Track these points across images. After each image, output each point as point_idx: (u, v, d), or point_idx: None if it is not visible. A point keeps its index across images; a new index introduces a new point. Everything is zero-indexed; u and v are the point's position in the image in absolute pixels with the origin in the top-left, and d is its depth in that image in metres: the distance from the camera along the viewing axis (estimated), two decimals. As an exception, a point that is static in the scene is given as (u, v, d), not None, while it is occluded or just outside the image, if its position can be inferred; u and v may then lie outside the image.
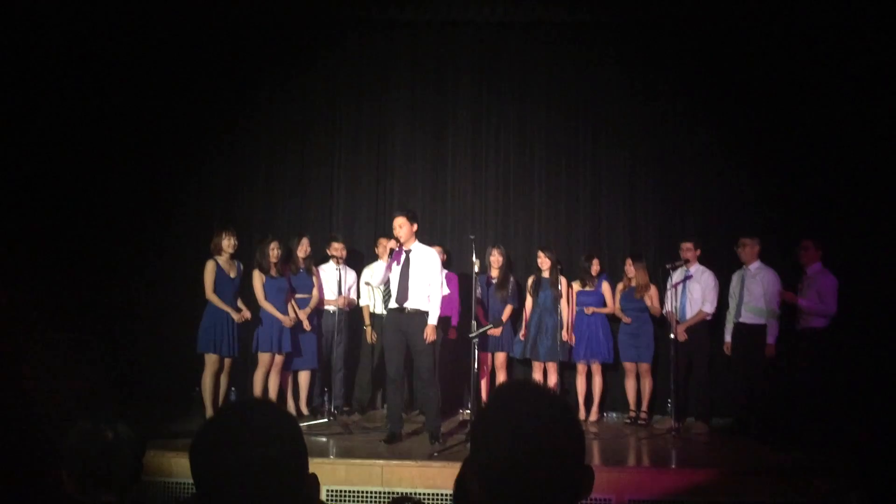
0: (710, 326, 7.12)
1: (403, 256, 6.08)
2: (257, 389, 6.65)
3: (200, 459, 1.38)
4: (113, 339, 7.21)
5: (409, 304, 5.99)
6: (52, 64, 7.71)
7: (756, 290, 6.74)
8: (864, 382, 6.81)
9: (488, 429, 1.37)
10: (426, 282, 6.02)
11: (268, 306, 6.69)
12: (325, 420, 6.76)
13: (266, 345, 6.66)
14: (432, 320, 6.01)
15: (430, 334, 5.96)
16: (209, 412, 6.39)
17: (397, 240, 6.04)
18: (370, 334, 7.37)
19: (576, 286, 7.37)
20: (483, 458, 1.35)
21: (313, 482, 1.44)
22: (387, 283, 7.23)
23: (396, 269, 6.08)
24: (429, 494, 5.12)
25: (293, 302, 6.95)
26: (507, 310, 7.30)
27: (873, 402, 6.64)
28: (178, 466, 5.44)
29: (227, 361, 6.54)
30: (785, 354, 6.68)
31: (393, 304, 6.09)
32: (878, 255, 7.20)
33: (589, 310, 7.23)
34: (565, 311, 7.19)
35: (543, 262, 7.25)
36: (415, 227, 6.09)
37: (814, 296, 6.41)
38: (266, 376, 6.70)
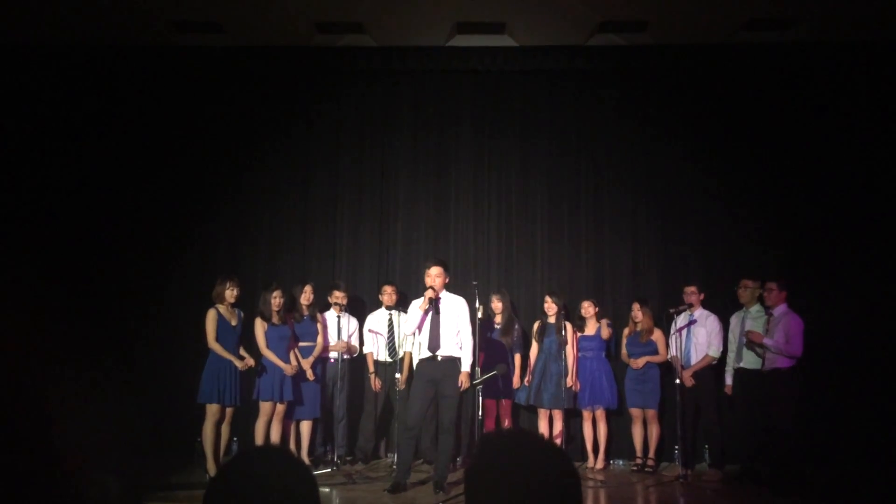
0: (716, 371, 7.06)
1: (434, 305, 6.09)
2: (259, 438, 6.57)
3: None
4: (113, 390, 7.16)
5: (441, 352, 6.01)
6: (68, 120, 7.87)
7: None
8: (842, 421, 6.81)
9: (482, 481, 1.34)
10: (456, 329, 6.06)
11: (269, 354, 6.65)
12: (328, 470, 6.68)
13: (267, 393, 6.61)
14: (466, 367, 6.01)
15: (464, 381, 5.97)
16: (210, 463, 6.32)
17: (433, 289, 6.06)
18: (374, 381, 7.31)
19: (578, 333, 7.33)
20: None
21: None
22: (390, 330, 7.24)
23: (427, 318, 6.08)
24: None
25: (296, 350, 6.91)
26: (517, 358, 7.27)
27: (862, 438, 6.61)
28: (179, 519, 5.37)
29: (228, 411, 6.48)
30: (748, 396, 6.63)
31: (425, 354, 6.10)
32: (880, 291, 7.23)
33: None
34: (570, 357, 7.13)
35: (550, 307, 7.22)
36: (447, 278, 6.20)
37: (781, 336, 6.36)
38: (268, 425, 6.63)
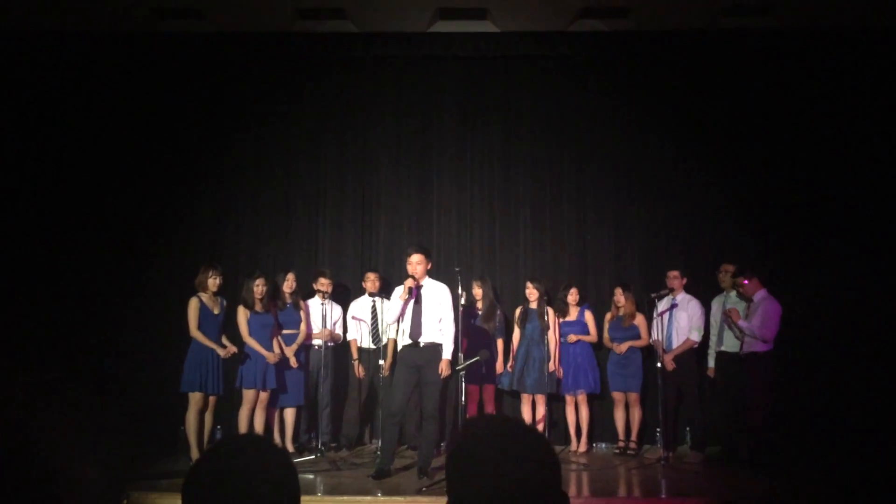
0: (697, 354, 7.13)
1: (416, 292, 6.10)
2: (243, 427, 6.58)
3: (193, 496, 1.35)
4: (97, 377, 7.14)
5: (423, 339, 6.03)
6: (46, 108, 7.80)
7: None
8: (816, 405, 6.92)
9: (462, 468, 1.36)
10: (438, 316, 6.06)
11: (252, 342, 6.65)
12: (313, 457, 6.70)
13: (250, 381, 6.61)
14: (447, 354, 6.03)
15: (444, 368, 5.98)
16: (194, 451, 6.32)
17: (413, 278, 6.05)
18: (358, 368, 7.33)
19: (560, 318, 7.36)
20: (461, 498, 1.34)
21: None
22: (373, 317, 7.25)
23: (409, 306, 6.08)
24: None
25: (279, 338, 6.91)
26: (499, 344, 7.31)
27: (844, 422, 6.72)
28: (163, 507, 5.37)
29: (211, 399, 6.49)
30: (727, 378, 6.72)
31: (406, 341, 6.11)
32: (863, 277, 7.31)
33: (572, 338, 7.21)
34: (552, 342, 7.17)
35: (532, 293, 7.26)
36: (429, 264, 6.17)
37: (757, 320, 6.43)
38: (251, 413, 6.64)
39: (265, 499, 1.33)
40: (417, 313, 6.05)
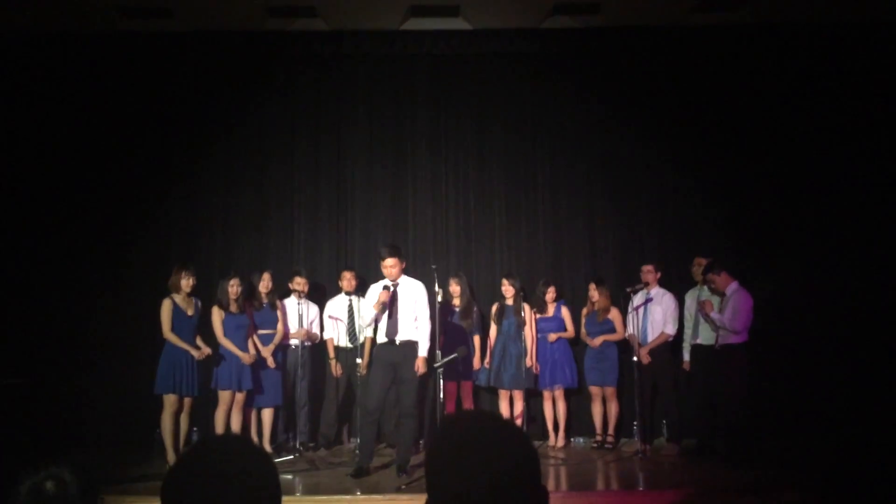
0: (673, 348, 7.19)
1: (391, 290, 6.07)
2: (219, 428, 6.52)
3: (172, 498, 1.34)
4: (69, 381, 7.05)
5: (400, 337, 6.01)
6: (14, 108, 7.68)
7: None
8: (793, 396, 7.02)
9: (441, 464, 1.35)
10: (414, 314, 6.04)
11: (227, 343, 6.59)
12: (291, 457, 6.66)
13: (226, 382, 6.55)
14: (423, 352, 6.01)
15: (420, 366, 5.97)
16: (170, 454, 6.25)
17: (387, 289, 6.04)
18: (335, 367, 7.30)
19: (536, 314, 7.38)
20: (441, 494, 1.33)
21: None
22: (350, 316, 7.22)
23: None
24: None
25: (255, 338, 6.86)
26: (476, 340, 7.31)
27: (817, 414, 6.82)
28: (139, 511, 5.31)
29: (187, 401, 6.41)
30: (702, 371, 6.79)
31: (382, 339, 6.06)
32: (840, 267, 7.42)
33: (552, 337, 7.24)
34: (529, 338, 7.20)
35: (507, 289, 7.27)
36: (404, 263, 6.16)
37: (729, 312, 6.51)
38: (227, 414, 6.58)
39: (246, 500, 1.31)
40: (394, 311, 6.04)
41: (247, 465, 1.35)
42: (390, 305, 6.05)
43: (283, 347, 7.12)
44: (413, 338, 6.02)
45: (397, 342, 6.00)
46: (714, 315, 6.54)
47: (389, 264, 6.02)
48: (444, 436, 1.40)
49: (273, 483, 1.39)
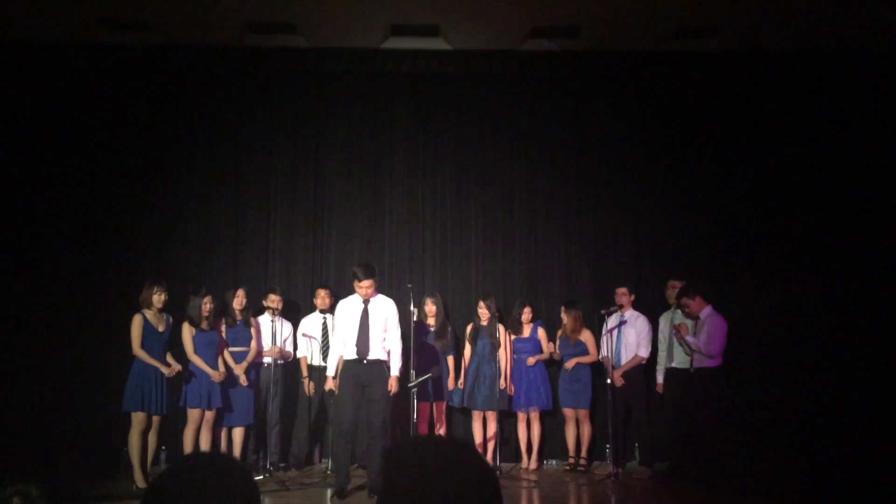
0: (646, 370, 7.22)
1: (362, 308, 6.02)
2: (188, 447, 6.42)
3: None
4: (36, 396, 6.90)
5: (370, 356, 5.93)
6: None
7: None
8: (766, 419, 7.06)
9: (397, 489, 1.31)
10: (384, 331, 5.98)
11: (197, 360, 6.50)
12: (261, 477, 6.56)
13: (195, 400, 6.46)
14: (395, 371, 5.95)
15: (393, 385, 5.91)
16: (137, 473, 6.14)
17: (364, 298, 6.02)
18: (308, 386, 7.23)
19: (511, 335, 7.38)
20: None
21: None
22: (324, 334, 7.16)
23: (355, 321, 5.99)
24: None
25: (228, 356, 6.77)
26: (450, 361, 7.29)
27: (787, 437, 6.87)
28: (104, 531, 5.21)
29: (155, 419, 6.30)
30: (676, 395, 6.80)
31: (352, 356, 5.98)
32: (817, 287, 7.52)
33: (531, 361, 7.23)
34: (503, 359, 7.18)
35: (483, 312, 7.25)
36: (378, 282, 6.14)
37: (704, 336, 6.56)
38: (196, 433, 6.48)
39: None
40: (364, 329, 5.97)
41: (229, 483, 1.33)
42: (362, 322, 5.99)
43: (255, 365, 7.04)
44: (381, 357, 5.96)
45: (366, 361, 5.94)
46: (689, 339, 6.58)
47: (367, 285, 5.98)
48: (398, 462, 1.36)
49: (254, 501, 1.36)
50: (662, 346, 7.10)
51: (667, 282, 7.31)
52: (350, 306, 6.10)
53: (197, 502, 1.28)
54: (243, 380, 6.76)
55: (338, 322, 6.14)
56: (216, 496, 1.30)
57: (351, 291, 6.18)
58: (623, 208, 8.10)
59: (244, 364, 6.83)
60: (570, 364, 7.22)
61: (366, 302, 6.04)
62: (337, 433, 6.02)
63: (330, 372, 6.39)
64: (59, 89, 7.75)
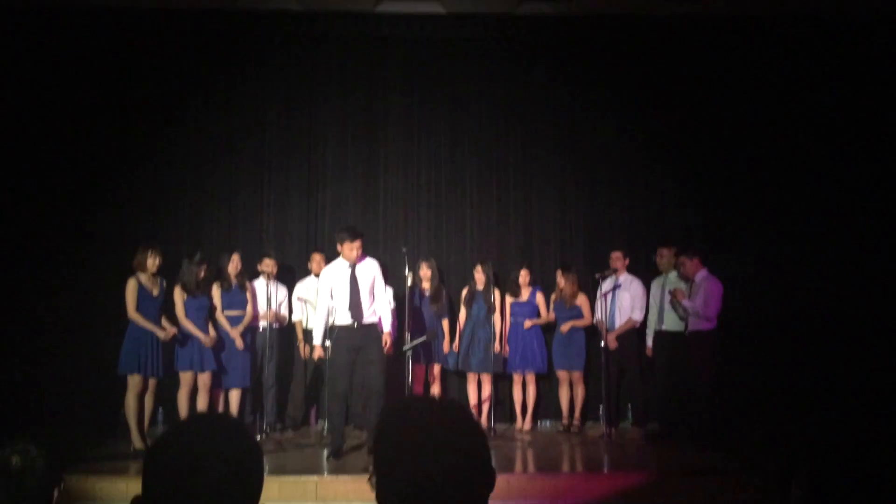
0: (639, 334, 7.28)
1: (349, 272, 6.03)
2: (182, 410, 6.46)
3: (155, 477, 1.31)
4: (32, 359, 6.92)
5: (364, 320, 6.00)
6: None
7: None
8: (761, 381, 7.13)
9: (390, 450, 1.32)
10: (373, 292, 6.04)
11: (188, 324, 6.50)
12: (258, 438, 6.62)
13: (186, 363, 6.49)
14: (387, 328, 6.01)
15: (388, 343, 6.01)
16: (134, 435, 6.18)
17: (351, 262, 6.06)
18: (303, 349, 7.27)
19: (508, 298, 7.42)
20: (390, 480, 1.31)
21: None
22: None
23: (345, 287, 6.01)
24: (364, 508, 5.06)
25: (223, 319, 6.78)
26: (445, 324, 7.33)
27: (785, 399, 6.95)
28: (102, 491, 5.26)
29: (151, 381, 6.31)
30: (670, 357, 6.88)
31: (345, 322, 6.00)
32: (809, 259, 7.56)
33: (527, 324, 7.27)
34: (498, 323, 7.23)
35: (479, 277, 7.27)
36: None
37: (700, 299, 6.62)
38: (189, 395, 6.51)
39: (229, 478, 1.30)
40: (356, 293, 6.00)
41: (231, 444, 1.34)
42: (352, 287, 6.01)
43: (251, 329, 7.06)
44: (372, 320, 6.01)
45: (360, 325, 5.98)
46: (686, 303, 6.62)
47: (357, 245, 6.00)
48: (392, 421, 1.37)
49: (257, 461, 1.38)
50: (654, 311, 7.14)
51: (656, 249, 7.33)
52: (337, 272, 6.12)
53: (200, 463, 1.29)
54: (239, 343, 6.78)
55: (324, 289, 6.16)
56: (219, 456, 1.30)
57: (345, 256, 6.18)
58: (619, 173, 8.10)
59: (240, 327, 6.84)
60: (565, 327, 7.27)
61: (352, 266, 6.04)
62: (332, 395, 6.06)
63: (317, 340, 6.31)
64: (49, 53, 7.65)
